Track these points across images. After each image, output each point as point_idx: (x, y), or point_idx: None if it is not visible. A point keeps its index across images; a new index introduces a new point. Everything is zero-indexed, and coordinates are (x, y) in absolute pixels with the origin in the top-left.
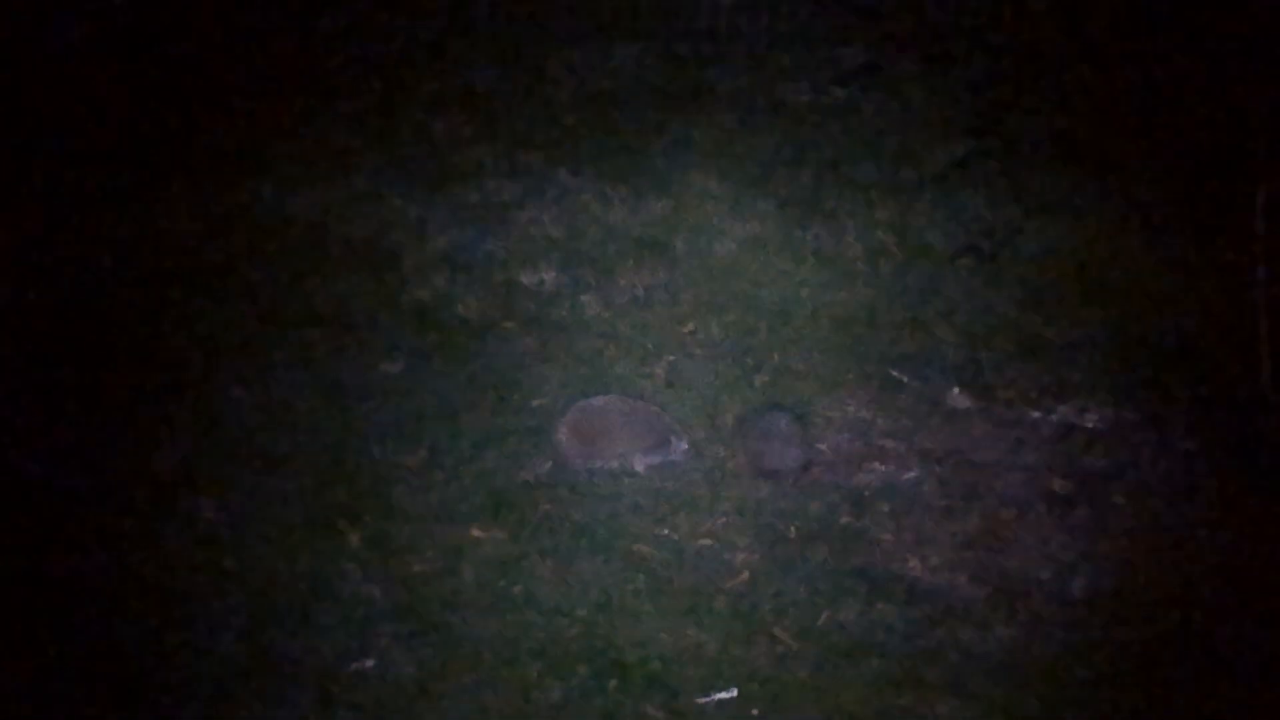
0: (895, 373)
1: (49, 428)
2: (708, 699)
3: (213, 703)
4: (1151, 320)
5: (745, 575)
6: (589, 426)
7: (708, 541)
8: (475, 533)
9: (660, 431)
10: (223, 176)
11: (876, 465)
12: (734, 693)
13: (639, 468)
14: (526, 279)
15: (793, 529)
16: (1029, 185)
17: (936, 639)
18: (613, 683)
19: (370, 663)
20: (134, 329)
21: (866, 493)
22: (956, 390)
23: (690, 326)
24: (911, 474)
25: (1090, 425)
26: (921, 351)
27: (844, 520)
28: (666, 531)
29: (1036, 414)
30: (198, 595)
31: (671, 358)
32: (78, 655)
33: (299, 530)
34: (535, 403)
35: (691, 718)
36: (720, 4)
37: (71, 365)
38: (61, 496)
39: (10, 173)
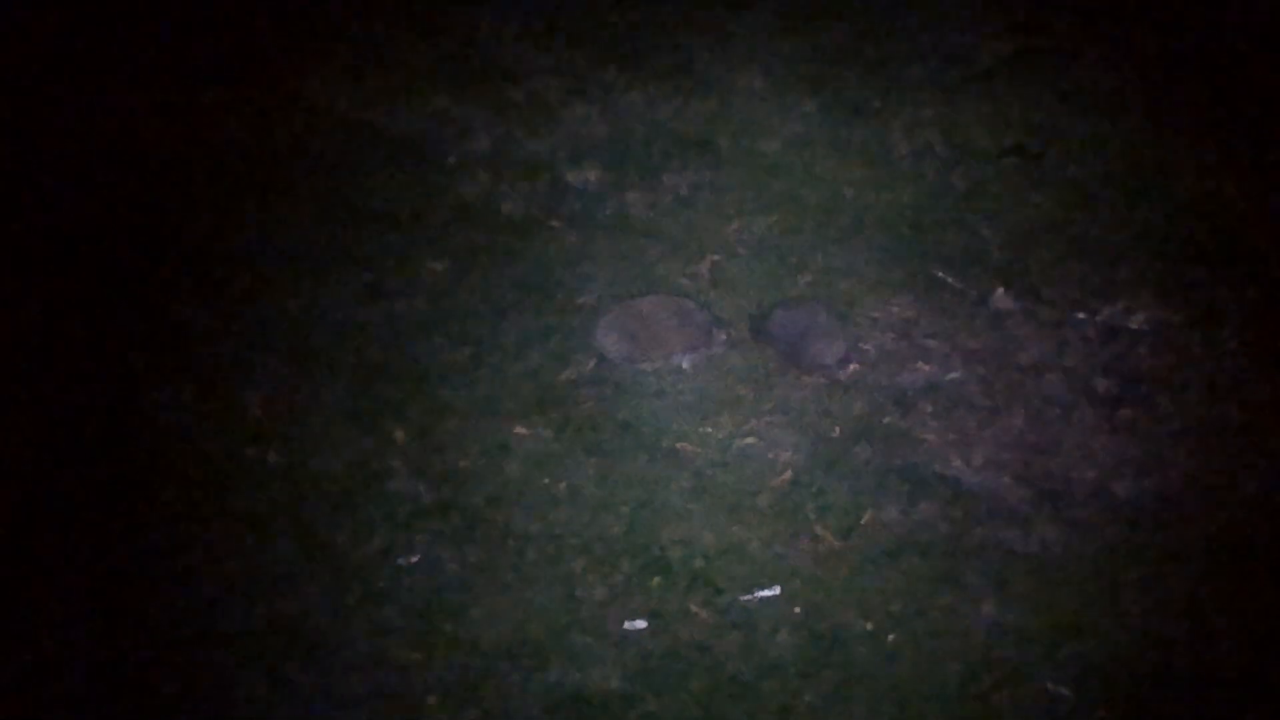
0: (940, 273)
1: (94, 324)
2: (751, 597)
3: (257, 597)
4: (1198, 221)
5: (788, 474)
6: (632, 327)
7: (751, 440)
8: (519, 430)
9: (703, 328)
10: (266, 74)
11: (920, 365)
12: (777, 590)
13: (685, 365)
14: (571, 177)
15: (836, 428)
16: (1076, 84)
17: (979, 539)
18: (656, 580)
19: (415, 558)
20: (178, 227)
21: (910, 393)
22: (1001, 290)
23: (735, 225)
24: (955, 374)
25: (1135, 326)
26: (966, 251)
27: (887, 420)
28: (710, 430)
29: (1081, 315)
30: (243, 491)
31: (716, 257)
32: (120, 550)
33: (344, 426)
34: (580, 300)
35: (734, 615)
36: None
37: (112, 263)
38: (106, 391)
39: (47, 78)
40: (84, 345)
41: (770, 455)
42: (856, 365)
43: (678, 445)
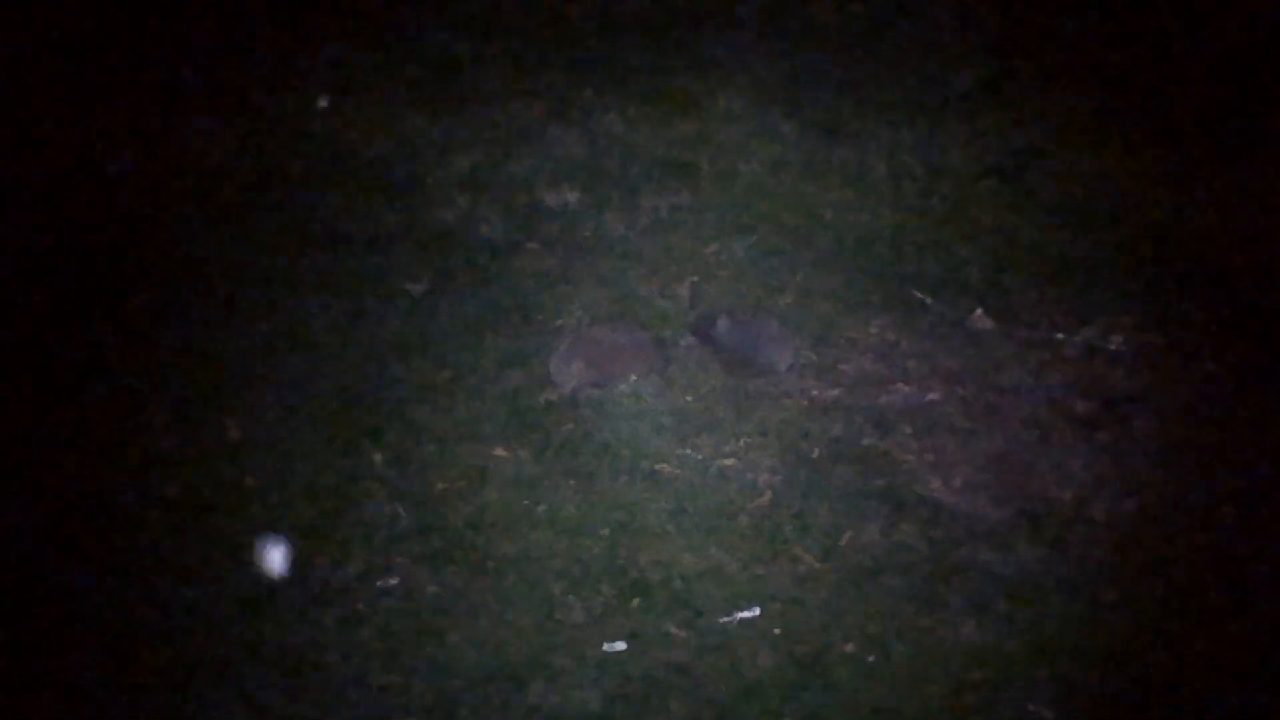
0: (918, 294)
1: (70, 347)
2: (730, 619)
3: (235, 619)
4: (1176, 243)
5: (768, 496)
6: (589, 354)
7: (730, 462)
8: (499, 452)
9: (656, 349)
10: (244, 97)
11: (899, 386)
12: (756, 612)
13: (646, 389)
14: (550, 200)
15: (815, 450)
16: (1054, 106)
17: (958, 560)
18: (635, 602)
19: (394, 581)
20: (156, 248)
21: (889, 414)
22: (980, 312)
23: (714, 247)
24: (934, 395)
25: (1114, 348)
26: (945, 273)
27: (866, 441)
28: (689, 451)
29: (1060, 336)
30: (221, 513)
31: (695, 279)
32: (95, 574)
33: (322, 449)
34: (558, 323)
35: (714, 637)
36: None
37: (92, 286)
38: (83, 413)
39: (24, 93)
40: (60, 369)
41: (749, 477)
42: (797, 366)
43: (657, 467)
